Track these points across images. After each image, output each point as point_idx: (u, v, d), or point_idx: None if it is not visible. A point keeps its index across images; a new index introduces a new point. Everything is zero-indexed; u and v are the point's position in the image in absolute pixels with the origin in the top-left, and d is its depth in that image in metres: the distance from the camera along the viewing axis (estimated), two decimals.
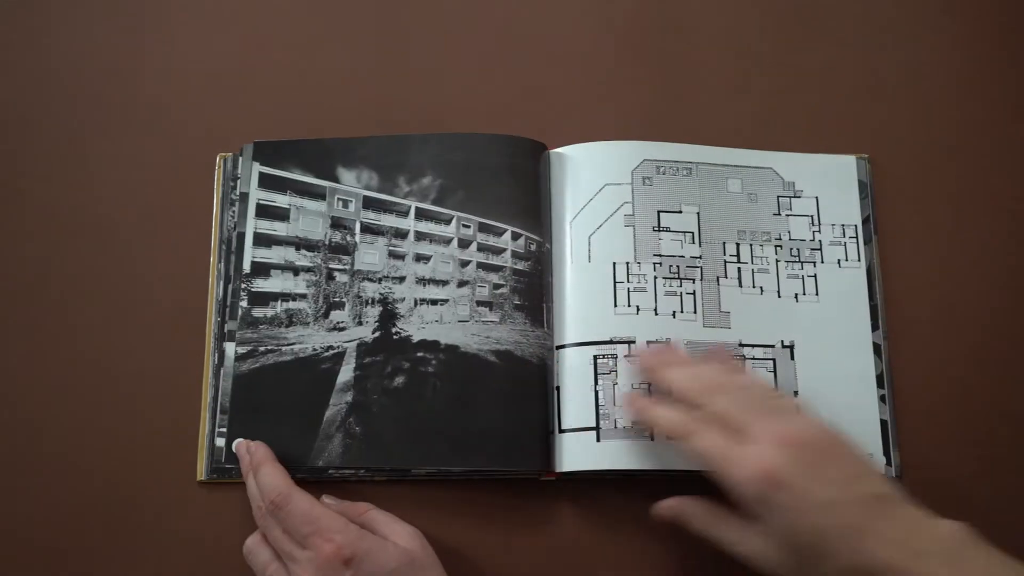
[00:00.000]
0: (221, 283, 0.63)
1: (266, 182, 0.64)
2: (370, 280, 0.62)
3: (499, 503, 0.60)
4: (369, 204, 0.63)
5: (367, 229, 0.63)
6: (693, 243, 0.63)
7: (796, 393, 0.61)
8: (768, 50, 0.69)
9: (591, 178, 0.63)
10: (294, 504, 0.52)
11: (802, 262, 0.63)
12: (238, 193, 0.64)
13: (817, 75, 0.69)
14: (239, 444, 0.58)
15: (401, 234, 0.63)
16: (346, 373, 0.60)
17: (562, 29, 0.70)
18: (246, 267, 0.62)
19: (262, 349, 0.61)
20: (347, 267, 0.62)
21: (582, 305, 0.61)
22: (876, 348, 0.62)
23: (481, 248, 0.62)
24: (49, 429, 0.61)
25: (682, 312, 0.61)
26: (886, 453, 0.60)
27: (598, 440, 0.58)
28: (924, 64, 0.69)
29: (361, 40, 0.69)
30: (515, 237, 0.62)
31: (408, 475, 0.59)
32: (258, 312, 0.61)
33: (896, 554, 0.46)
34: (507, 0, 0.71)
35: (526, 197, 0.63)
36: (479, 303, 0.61)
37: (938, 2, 0.70)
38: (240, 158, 0.65)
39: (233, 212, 0.64)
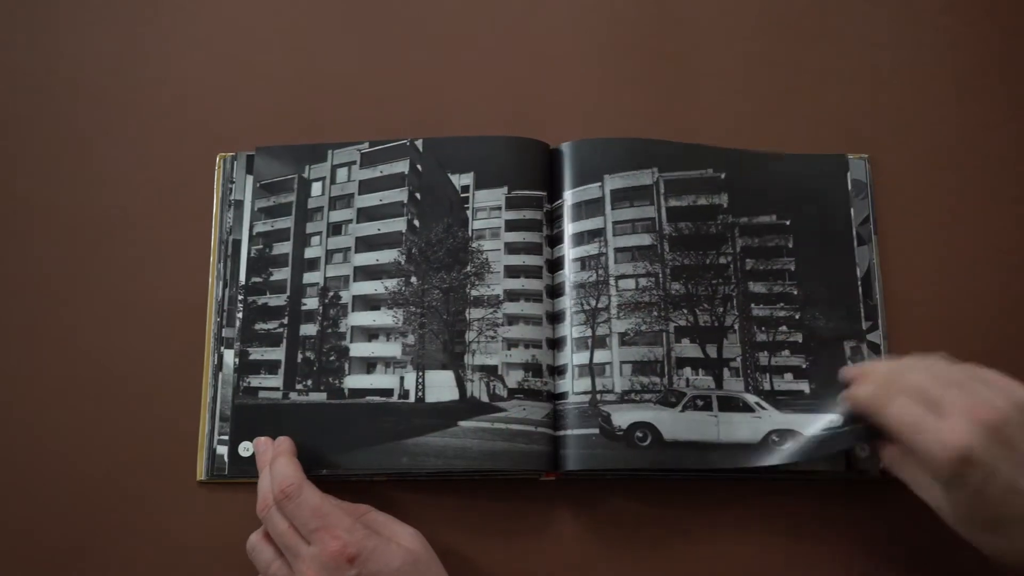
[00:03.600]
0: (220, 283, 0.63)
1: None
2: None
3: (499, 503, 0.60)
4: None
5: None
6: None
7: None
8: (768, 50, 0.69)
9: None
10: (305, 496, 0.52)
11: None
12: (232, 200, 0.64)
13: (817, 75, 0.69)
14: (259, 440, 0.58)
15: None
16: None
17: (562, 29, 0.70)
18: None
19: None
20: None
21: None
22: (875, 348, 0.62)
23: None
24: (49, 428, 0.61)
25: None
26: None
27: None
28: (924, 64, 0.69)
29: (361, 40, 0.69)
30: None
31: (408, 475, 0.59)
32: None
33: None
34: (507, 0, 0.71)
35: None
36: None
37: (938, 2, 0.70)
38: (235, 162, 0.65)
39: (230, 215, 0.64)
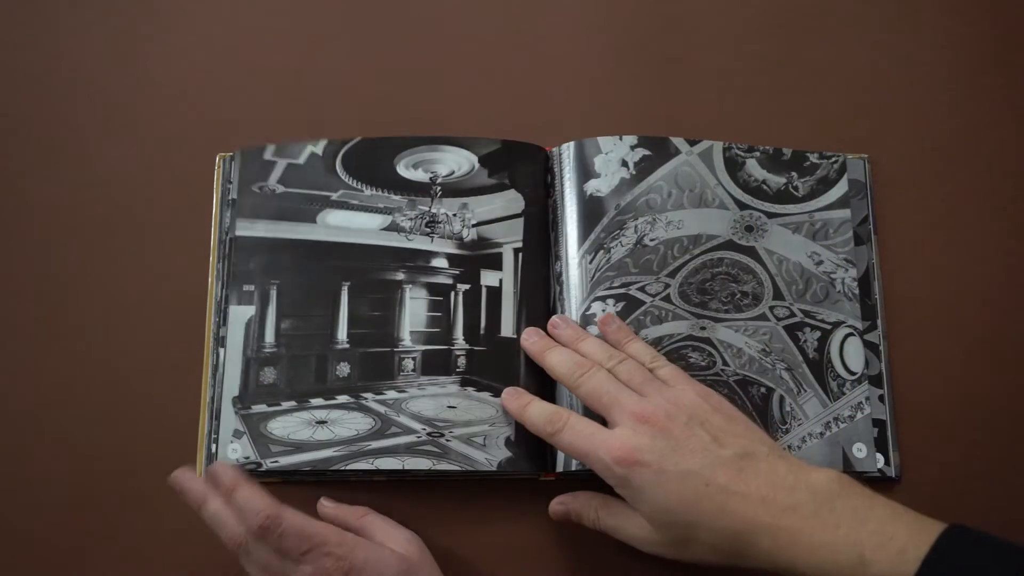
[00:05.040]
0: (220, 283, 0.63)
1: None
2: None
3: (497, 504, 0.60)
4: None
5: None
6: None
7: None
8: (768, 50, 0.69)
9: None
10: (287, 524, 0.49)
11: None
12: (230, 198, 0.64)
13: (817, 75, 0.69)
14: (211, 468, 0.54)
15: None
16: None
17: (561, 29, 0.70)
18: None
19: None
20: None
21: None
22: (874, 348, 0.62)
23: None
24: (49, 429, 0.61)
25: None
26: (884, 452, 0.60)
27: None
28: (924, 64, 0.69)
29: (361, 40, 0.69)
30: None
31: (407, 476, 0.59)
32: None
33: (763, 511, 0.46)
34: (507, 1, 0.71)
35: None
36: None
37: (937, 2, 0.70)
38: (234, 163, 0.65)
39: (229, 215, 0.64)
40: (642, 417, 0.50)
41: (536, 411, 0.55)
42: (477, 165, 0.63)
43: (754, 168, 0.64)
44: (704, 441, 0.49)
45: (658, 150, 0.64)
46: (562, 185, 0.63)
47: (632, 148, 0.63)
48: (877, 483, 0.59)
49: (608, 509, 0.54)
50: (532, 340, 0.59)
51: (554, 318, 0.60)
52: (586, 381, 0.54)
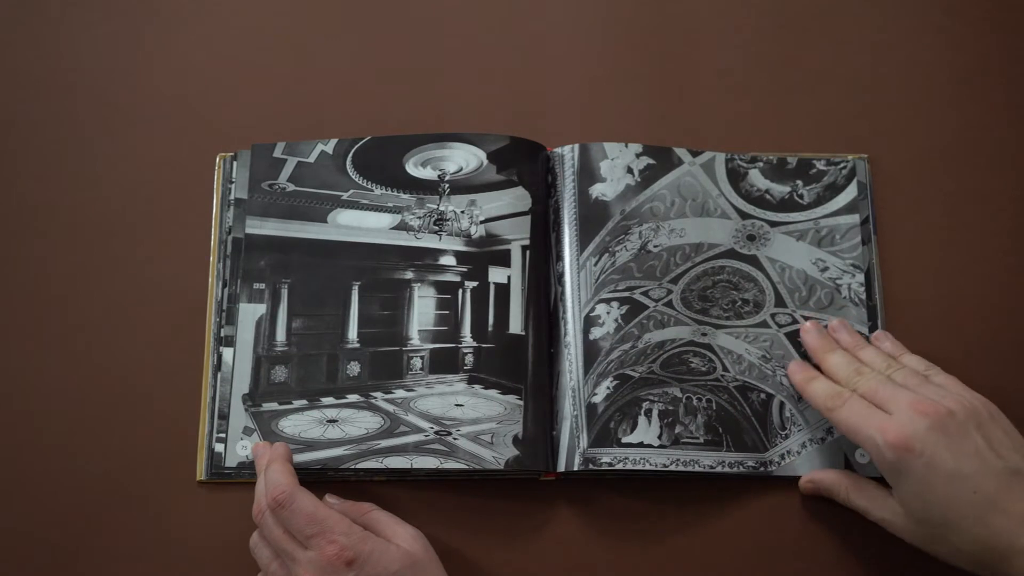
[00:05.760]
0: (220, 283, 0.63)
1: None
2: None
3: (499, 503, 0.60)
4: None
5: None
6: None
7: None
8: (768, 50, 0.69)
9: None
10: (298, 504, 0.51)
11: None
12: (233, 198, 0.64)
13: (817, 75, 0.69)
14: (257, 444, 0.58)
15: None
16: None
17: (562, 29, 0.70)
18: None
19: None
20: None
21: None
22: None
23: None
24: (49, 429, 0.61)
25: None
26: None
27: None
28: (924, 64, 0.69)
29: (361, 40, 0.69)
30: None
31: (408, 475, 0.59)
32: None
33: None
34: (507, 1, 0.71)
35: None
36: None
37: (938, 2, 0.70)
38: (235, 163, 0.65)
39: (230, 215, 0.64)
40: (920, 408, 0.51)
41: (820, 387, 0.56)
42: (485, 161, 0.63)
43: (757, 178, 0.64)
44: (978, 445, 0.50)
45: (662, 159, 0.64)
46: (564, 186, 0.63)
47: (637, 156, 0.63)
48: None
49: (859, 489, 0.55)
50: (814, 336, 0.60)
51: (834, 322, 0.61)
52: (864, 381, 0.55)
